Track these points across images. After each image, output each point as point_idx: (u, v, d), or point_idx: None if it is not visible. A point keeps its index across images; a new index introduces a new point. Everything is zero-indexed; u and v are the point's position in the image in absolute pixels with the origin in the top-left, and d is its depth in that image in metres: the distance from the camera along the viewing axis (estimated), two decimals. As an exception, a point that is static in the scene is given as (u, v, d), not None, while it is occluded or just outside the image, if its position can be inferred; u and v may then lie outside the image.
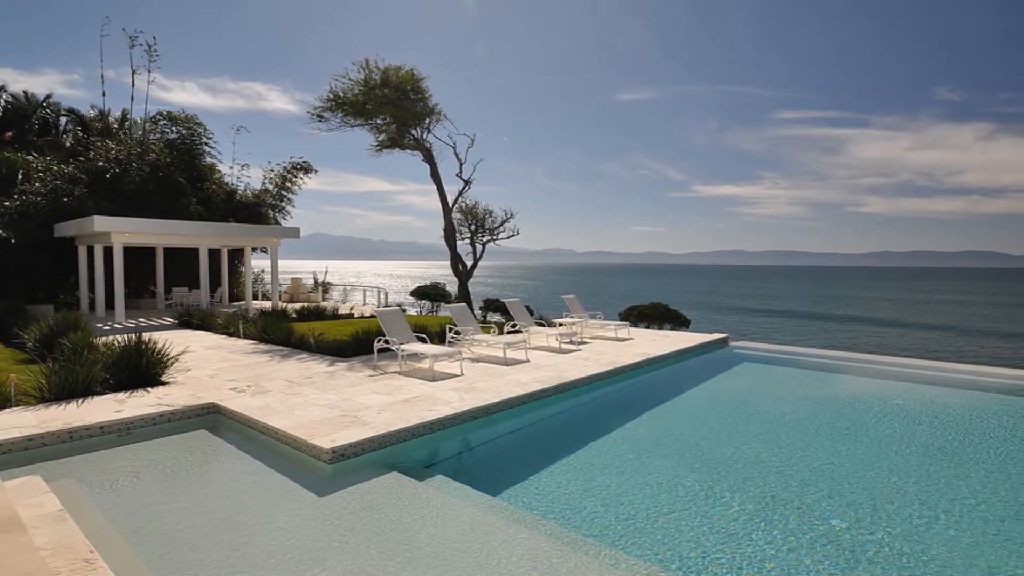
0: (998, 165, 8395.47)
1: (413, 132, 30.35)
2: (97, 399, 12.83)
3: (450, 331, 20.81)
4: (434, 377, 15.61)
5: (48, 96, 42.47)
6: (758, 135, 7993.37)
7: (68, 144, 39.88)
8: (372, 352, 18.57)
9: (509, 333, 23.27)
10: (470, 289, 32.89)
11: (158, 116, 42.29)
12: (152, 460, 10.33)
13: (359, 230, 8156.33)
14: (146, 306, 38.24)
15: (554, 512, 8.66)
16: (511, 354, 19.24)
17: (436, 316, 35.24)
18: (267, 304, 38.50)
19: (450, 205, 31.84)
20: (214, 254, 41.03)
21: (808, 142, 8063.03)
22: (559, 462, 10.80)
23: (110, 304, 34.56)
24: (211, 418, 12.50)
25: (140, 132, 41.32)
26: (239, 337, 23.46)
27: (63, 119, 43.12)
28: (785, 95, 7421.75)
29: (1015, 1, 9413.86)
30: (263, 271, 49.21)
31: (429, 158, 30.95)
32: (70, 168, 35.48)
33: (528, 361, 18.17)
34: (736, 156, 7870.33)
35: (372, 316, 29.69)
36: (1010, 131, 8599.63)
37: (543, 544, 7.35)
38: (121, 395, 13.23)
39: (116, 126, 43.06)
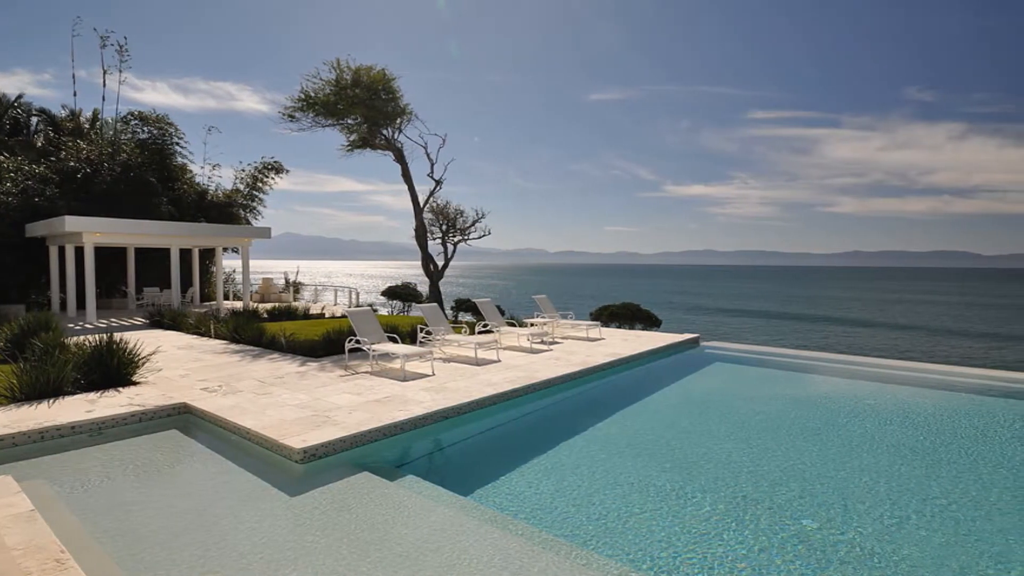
0: (969, 165, 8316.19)
1: (384, 132, 30.35)
2: (68, 399, 12.81)
3: (421, 331, 20.86)
4: (405, 377, 15.65)
5: (19, 96, 42.17)
6: (729, 135, 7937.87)
7: (39, 144, 39.60)
8: (343, 352, 18.60)
9: (480, 333, 23.31)
10: (441, 289, 32.92)
11: (129, 116, 42.21)
12: (123, 460, 10.33)
13: (330, 230, 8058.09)
14: (117, 306, 38.12)
15: (525, 512, 8.71)
16: (482, 354, 19.31)
17: (407, 316, 35.24)
18: (238, 304, 38.43)
19: (421, 205, 31.84)
20: (185, 254, 40.96)
21: (780, 142, 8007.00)
22: (530, 462, 10.85)
23: (81, 304, 34.41)
24: (182, 418, 12.51)
25: (111, 132, 41.19)
26: (210, 337, 23.42)
27: (34, 119, 42.83)
28: (757, 95, 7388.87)
29: (987, 1, 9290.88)
30: (234, 271, 49.14)
31: (400, 158, 30.96)
32: (41, 168, 35.30)
33: (499, 361, 18.23)
34: (708, 156, 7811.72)
35: (343, 316, 29.70)
36: (981, 131, 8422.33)
37: (514, 544, 7.40)
38: (92, 395, 13.22)
39: (87, 126, 42.88)
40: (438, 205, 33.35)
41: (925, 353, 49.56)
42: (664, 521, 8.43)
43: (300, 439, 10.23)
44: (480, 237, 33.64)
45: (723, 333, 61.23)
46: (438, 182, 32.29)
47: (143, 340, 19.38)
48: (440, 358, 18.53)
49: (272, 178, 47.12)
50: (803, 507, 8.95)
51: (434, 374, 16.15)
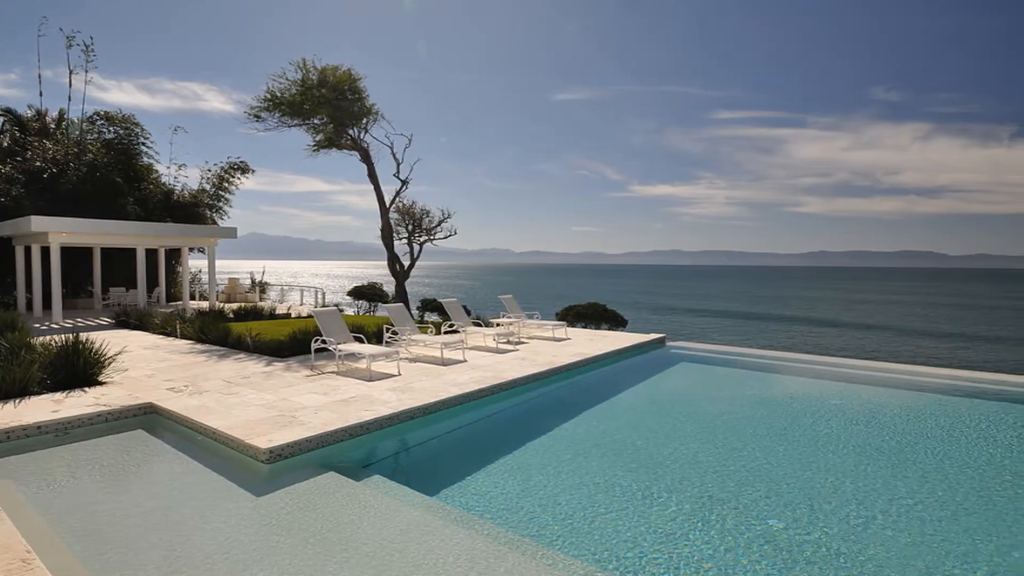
0: (935, 165, 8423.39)
1: (350, 132, 30.35)
2: (34, 399, 12.78)
3: (387, 331, 20.88)
4: (371, 377, 15.68)
5: (-16, 96, 41.84)
6: (695, 135, 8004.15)
7: (5, 144, 39.31)
8: (310, 352, 18.59)
9: (446, 333, 23.38)
10: (407, 289, 32.96)
11: (95, 116, 42.05)
12: (90, 460, 10.32)
13: (296, 230, 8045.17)
14: (83, 306, 37.88)
15: (491, 512, 8.76)
16: (448, 354, 19.35)
17: (373, 316, 35.16)
18: (204, 304, 38.27)
19: (387, 205, 31.87)
20: (151, 254, 40.77)
21: (745, 142, 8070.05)
22: (496, 462, 10.93)
23: (47, 304, 34.26)
24: (148, 418, 12.49)
25: (77, 132, 40.99)
26: (176, 337, 23.34)
27: (0, 119, 42.55)
28: (723, 95, 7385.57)
29: (952, 2, 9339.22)
30: (200, 271, 48.99)
31: (366, 158, 30.98)
32: (7, 168, 35.12)
33: (465, 361, 18.29)
34: (673, 156, 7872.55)
35: (309, 316, 29.66)
36: (947, 131, 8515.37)
37: (480, 544, 7.45)
38: (58, 395, 13.19)
39: (53, 126, 42.62)
40: (404, 205, 33.43)
41: (891, 353, 49.81)
42: (630, 521, 8.50)
43: (266, 439, 10.26)
44: (446, 237, 33.75)
45: (689, 333, 61.41)
46: (404, 182, 32.36)
47: (109, 340, 19.26)
48: (406, 358, 18.57)
49: (238, 178, 47.01)
50: (769, 507, 9.03)
51: (400, 374, 16.19)
